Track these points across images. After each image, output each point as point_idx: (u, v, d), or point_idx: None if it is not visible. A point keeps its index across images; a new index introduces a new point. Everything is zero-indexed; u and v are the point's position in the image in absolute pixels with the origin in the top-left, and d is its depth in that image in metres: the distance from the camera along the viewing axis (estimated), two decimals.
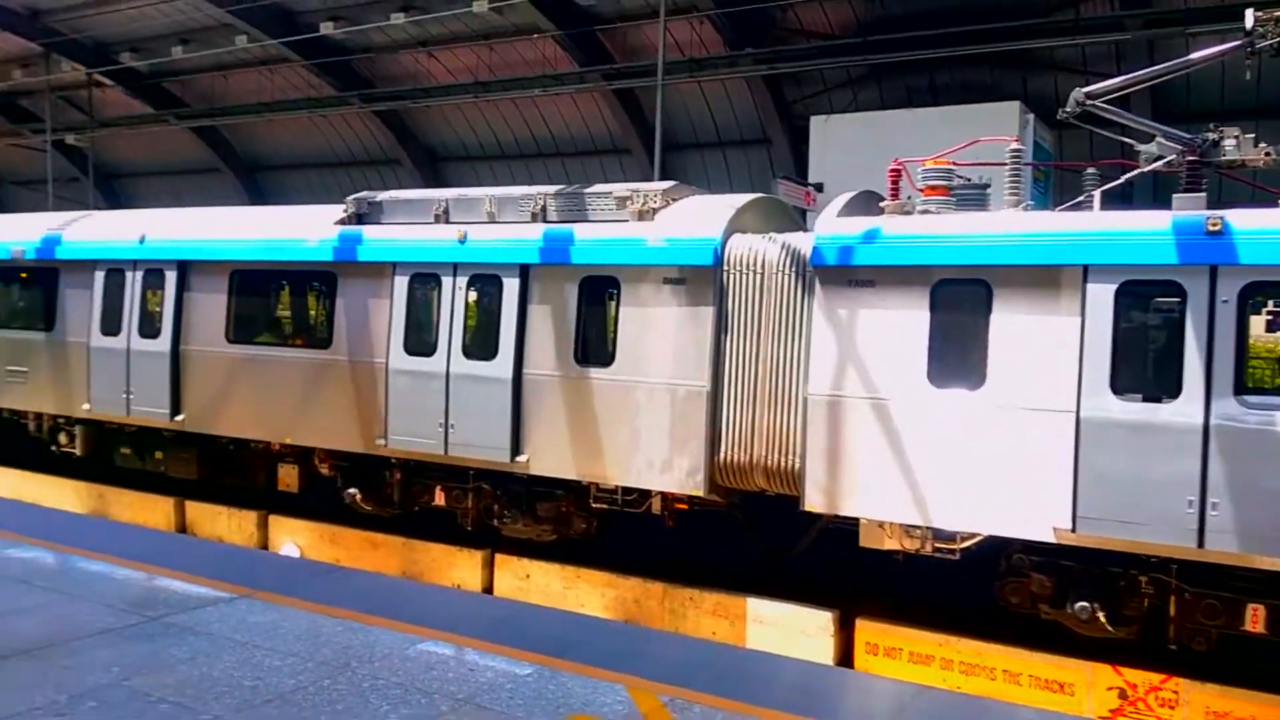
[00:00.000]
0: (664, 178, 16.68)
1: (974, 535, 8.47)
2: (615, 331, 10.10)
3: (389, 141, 27.13)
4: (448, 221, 11.33)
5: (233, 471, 13.23)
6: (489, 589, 10.97)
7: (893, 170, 9.24)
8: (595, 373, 10.11)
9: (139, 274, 13.41)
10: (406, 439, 11.10)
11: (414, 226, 11.50)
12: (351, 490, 11.91)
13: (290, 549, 12.29)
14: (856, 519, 8.93)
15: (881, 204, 9.23)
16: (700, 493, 9.59)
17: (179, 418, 12.93)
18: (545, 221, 10.77)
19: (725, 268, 9.58)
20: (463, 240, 10.94)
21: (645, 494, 10.18)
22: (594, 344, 10.31)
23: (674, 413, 9.66)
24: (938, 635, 8.88)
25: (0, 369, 14.86)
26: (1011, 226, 8.41)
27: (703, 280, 9.61)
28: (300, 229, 12.29)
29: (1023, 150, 9.14)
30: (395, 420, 11.20)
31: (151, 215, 14.74)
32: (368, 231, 11.73)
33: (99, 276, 13.77)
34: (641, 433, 9.81)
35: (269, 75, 26.36)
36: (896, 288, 8.65)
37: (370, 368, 11.41)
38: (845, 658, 9.17)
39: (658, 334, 9.81)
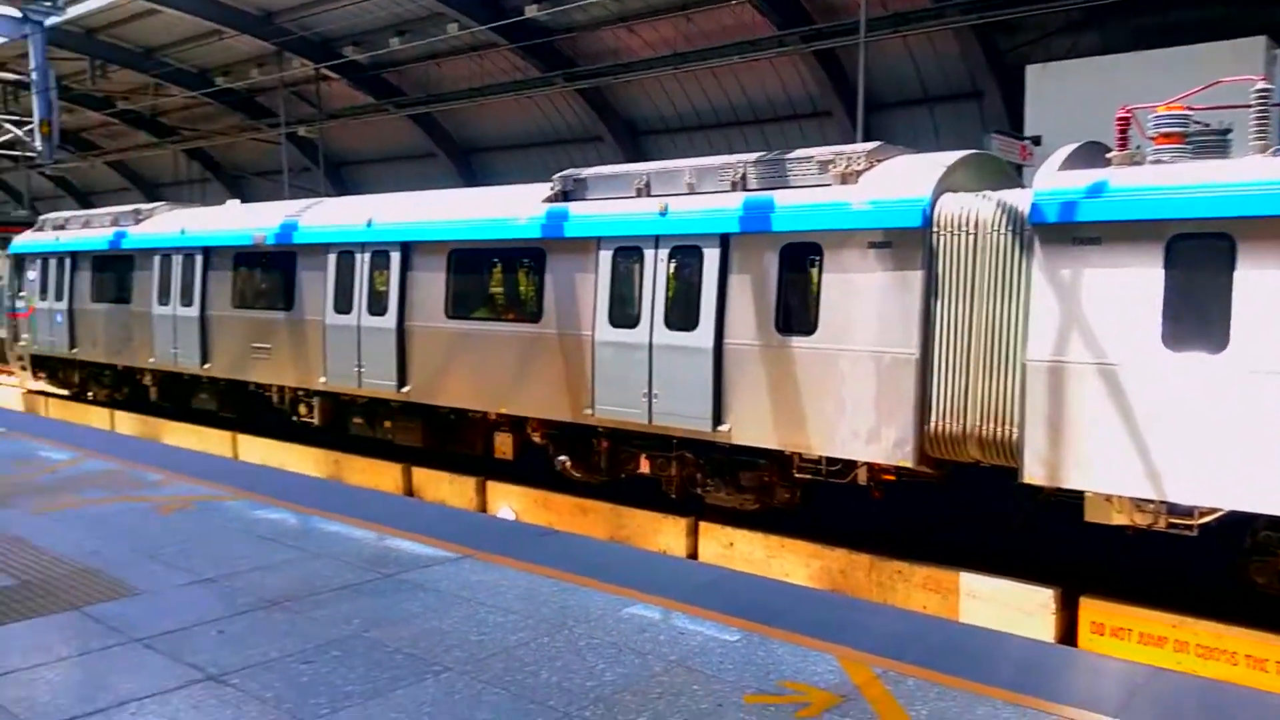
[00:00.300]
0: (868, 139, 16.22)
1: (1215, 510, 7.83)
2: (818, 299, 9.88)
3: (591, 118, 27.71)
4: (649, 195, 11.40)
5: (454, 440, 13.90)
6: (693, 556, 11.10)
7: (1121, 118, 8.56)
8: (797, 341, 9.97)
9: (367, 256, 14.16)
10: (612, 409, 11.35)
11: (617, 201, 11.63)
12: (562, 458, 12.27)
13: (506, 512, 12.87)
14: (1081, 492, 8.39)
15: (1109, 155, 8.59)
16: (909, 464, 9.28)
17: (405, 389, 13.61)
18: (745, 190, 10.63)
19: (935, 229, 9.17)
20: (664, 212, 11.01)
21: (850, 464, 9.96)
22: (796, 312, 10.13)
23: (880, 381, 9.36)
24: (1172, 615, 8.25)
25: (246, 346, 16.10)
26: (1259, 174, 7.62)
27: (910, 243, 9.25)
28: (510, 208, 12.69)
29: (1271, 90, 8.27)
30: (601, 390, 11.45)
31: (377, 200, 15.49)
32: (573, 208, 11.96)
33: (331, 259, 14.66)
34: (846, 402, 9.58)
35: (478, 61, 27.44)
36: (1126, 245, 8.03)
37: (578, 340, 11.70)
38: (1068, 638, 8.71)
39: (862, 301, 9.52)
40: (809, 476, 10.29)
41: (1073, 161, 8.70)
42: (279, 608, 6.39)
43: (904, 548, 10.03)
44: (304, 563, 7.43)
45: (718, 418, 10.50)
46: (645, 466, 11.68)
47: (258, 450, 16.36)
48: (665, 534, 11.36)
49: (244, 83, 32.18)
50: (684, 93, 25.79)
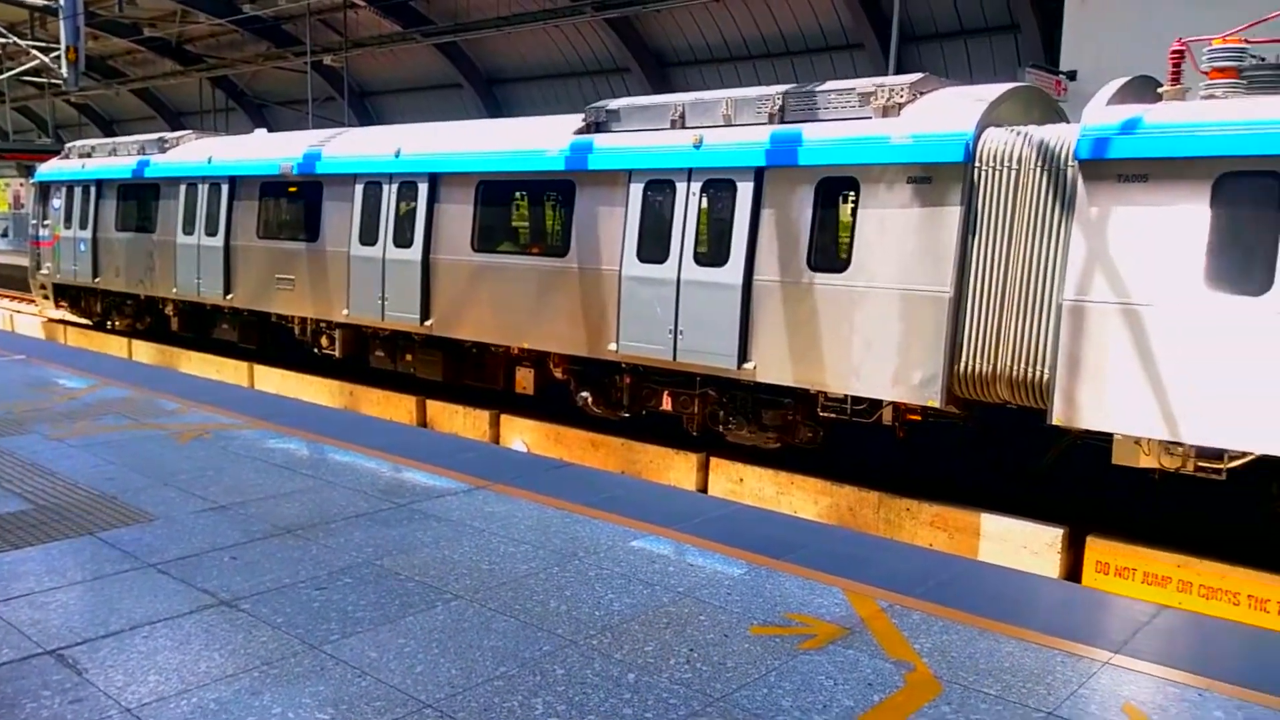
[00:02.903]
0: (900, 73, 15.84)
1: (1246, 454, 7.72)
2: (852, 236, 9.68)
3: (619, 49, 27.27)
4: (683, 127, 11.16)
5: (474, 374, 13.90)
6: (703, 491, 11.15)
7: (1175, 52, 8.25)
8: (829, 279, 9.80)
9: (394, 187, 14.00)
10: (637, 345, 11.28)
11: (649, 133, 11.42)
12: (584, 394, 12.25)
13: (519, 446, 12.96)
14: (1108, 434, 8.30)
15: (1160, 90, 8.30)
16: (936, 404, 9.17)
17: (428, 323, 13.59)
18: (782, 122, 10.40)
19: (976, 164, 8.97)
20: (698, 145, 10.76)
21: (876, 404, 9.85)
22: (828, 249, 9.97)
23: (911, 320, 9.24)
24: (1176, 555, 8.26)
25: (270, 277, 16.08)
26: None
27: (951, 178, 9.05)
28: (541, 140, 12.46)
29: None
30: (626, 326, 11.37)
31: (405, 131, 15.24)
32: (604, 140, 11.76)
33: (358, 190, 14.50)
34: (874, 341, 9.47)
35: None
36: (1171, 182, 7.81)
37: (604, 275, 11.58)
38: (1073, 576, 8.72)
39: (897, 237, 9.34)
40: (833, 415, 10.20)
41: (1122, 96, 8.44)
42: (292, 535, 6.46)
43: (914, 486, 10.02)
44: (318, 491, 7.50)
45: (744, 355, 10.41)
46: (667, 403, 11.61)
47: (273, 380, 16.52)
48: (676, 469, 11.40)
49: (270, 10, 31.85)
50: (714, 23, 25.28)
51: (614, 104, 12.01)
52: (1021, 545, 8.89)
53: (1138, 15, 15.48)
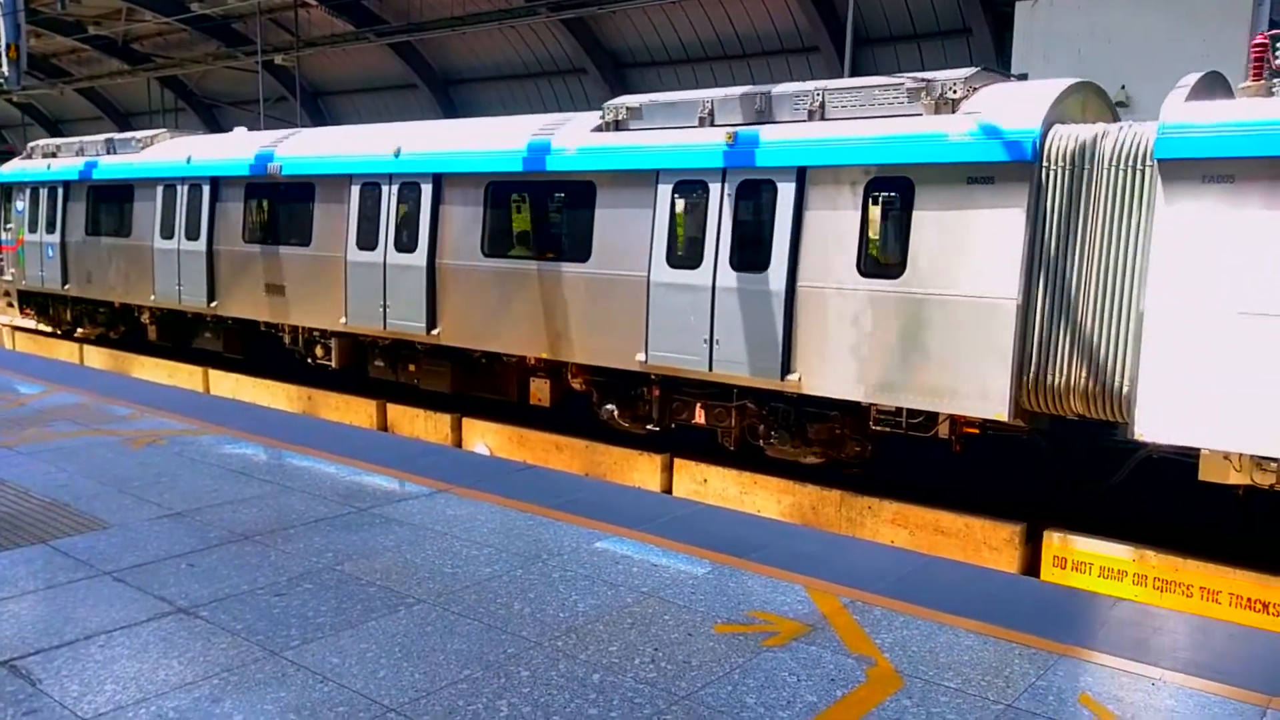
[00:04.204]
0: (856, 73, 16.00)
1: None
2: (906, 239, 9.08)
3: (575, 50, 27.21)
4: (712, 124, 10.54)
5: (485, 385, 13.19)
6: (668, 492, 11.17)
7: (1257, 45, 7.84)
8: (881, 285, 9.22)
9: (394, 188, 13.19)
10: (668, 355, 10.63)
11: (677, 131, 10.77)
12: (609, 407, 11.61)
13: (481, 449, 12.89)
14: (1194, 449, 7.83)
15: (1242, 86, 7.91)
16: (1004, 417, 8.63)
17: (435, 331, 12.84)
18: (823, 119, 9.83)
19: (1044, 163, 8.45)
20: (732, 143, 10.13)
21: (932, 417, 9.29)
22: (880, 253, 9.47)
23: (974, 329, 8.68)
24: (1132, 549, 8.40)
25: (258, 283, 15.17)
26: None
27: (1016, 178, 8.51)
28: (557, 138, 11.77)
29: None
30: (656, 336, 10.70)
31: (405, 129, 14.39)
32: (628, 138, 11.12)
33: (354, 191, 13.67)
34: (934, 351, 8.92)
35: None
36: (1262, 182, 7.36)
37: (631, 281, 10.90)
38: (1032, 571, 8.86)
39: (957, 241, 8.80)
40: (886, 429, 9.60)
41: (1195, 94, 8.06)
42: (250, 541, 6.38)
43: (875, 485, 10.11)
44: (276, 497, 7.41)
45: (787, 366, 9.81)
46: (699, 417, 10.93)
47: (229, 385, 16.23)
48: (640, 470, 11.42)
49: (219, 8, 31.38)
50: (670, 24, 25.33)
51: (634, 100, 11.31)
52: (981, 541, 9.01)
53: (1086, 17, 15.76)
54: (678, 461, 11.27)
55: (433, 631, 5.07)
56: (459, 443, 13.23)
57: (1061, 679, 4.70)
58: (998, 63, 18.59)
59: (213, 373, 16.60)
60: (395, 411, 14.04)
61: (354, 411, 14.29)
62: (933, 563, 6.50)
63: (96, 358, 18.76)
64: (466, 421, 13.26)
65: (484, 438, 12.99)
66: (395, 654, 4.79)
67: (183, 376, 16.78)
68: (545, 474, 8.73)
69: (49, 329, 21.23)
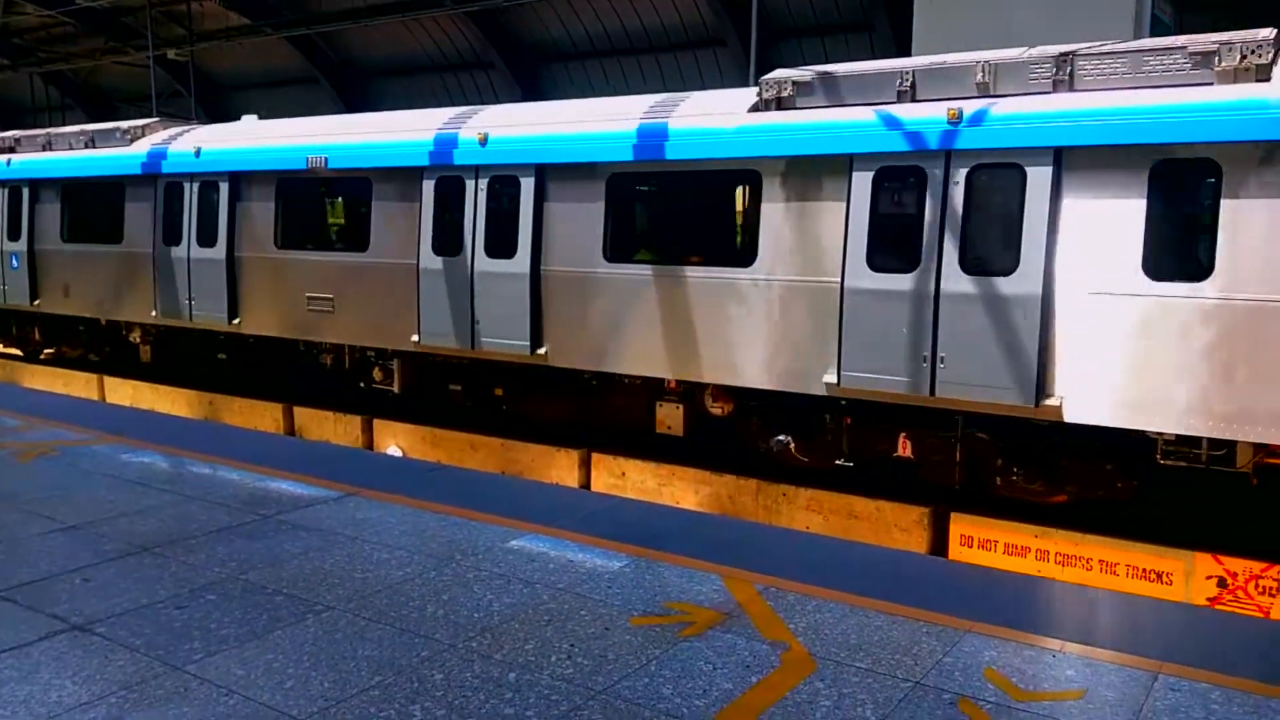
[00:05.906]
0: (761, 70, 16.15)
1: None
2: (1213, 232, 7.64)
3: (482, 44, 26.97)
4: (914, 99, 8.96)
5: (601, 412, 11.41)
6: (585, 487, 11.15)
7: None
8: (1179, 289, 7.71)
9: (484, 182, 11.29)
10: (871, 376, 8.92)
11: (869, 108, 9.10)
12: (782, 438, 10.01)
13: (394, 450, 12.67)
14: None
15: None
16: None
17: (541, 350, 10.95)
18: (1072, 90, 8.34)
19: None
20: (956, 121, 8.51)
21: (1232, 448, 7.88)
22: (1175, 250, 8.04)
23: None
24: (1034, 527, 8.69)
25: (298, 296, 12.97)
26: None
27: None
28: (700, 120, 10.01)
29: None
30: (853, 353, 8.97)
31: (491, 110, 12.15)
32: (806, 117, 9.35)
33: (428, 186, 11.67)
34: (1261, 367, 7.47)
35: None
36: None
37: (815, 288, 9.25)
38: (940, 551, 9.10)
39: None
40: (1172, 463, 8.13)
41: None
42: (149, 553, 6.16)
43: (789, 473, 10.24)
44: (177, 506, 7.17)
45: (1041, 388, 8.22)
46: (905, 449, 9.41)
47: (126, 393, 15.61)
48: (558, 467, 11.36)
49: (108, 1, 30.23)
50: (577, 18, 25.30)
51: (803, 73, 9.58)
52: (892, 523, 9.20)
53: (982, 13, 16.15)
54: (595, 456, 11.25)
55: (342, 639, 4.95)
56: (370, 445, 12.98)
57: (967, 654, 4.82)
58: (898, 56, 18.98)
59: (108, 380, 15.99)
60: (303, 415, 13.70)
61: (259, 416, 13.91)
62: (845, 546, 6.62)
63: None
64: (378, 423, 13.03)
65: (396, 439, 12.78)
66: (303, 663, 4.67)
67: (78, 385, 16.13)
68: (459, 474, 8.62)
69: (14, 352, 18.55)
